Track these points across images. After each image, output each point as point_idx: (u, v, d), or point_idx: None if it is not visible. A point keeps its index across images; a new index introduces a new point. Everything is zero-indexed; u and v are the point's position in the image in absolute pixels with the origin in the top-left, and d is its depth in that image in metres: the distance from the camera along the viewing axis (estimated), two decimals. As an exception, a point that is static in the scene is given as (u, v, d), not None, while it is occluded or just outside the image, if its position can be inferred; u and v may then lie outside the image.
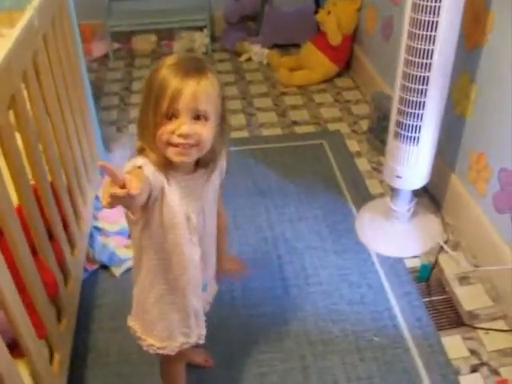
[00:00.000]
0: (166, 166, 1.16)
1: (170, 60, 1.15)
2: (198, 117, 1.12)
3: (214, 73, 1.16)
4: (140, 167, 1.11)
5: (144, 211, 1.18)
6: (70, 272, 1.76)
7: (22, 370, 1.34)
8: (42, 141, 1.62)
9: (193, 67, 1.12)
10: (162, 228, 1.22)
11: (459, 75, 2.14)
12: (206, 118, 1.13)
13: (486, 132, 2.04)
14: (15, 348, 1.29)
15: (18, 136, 1.41)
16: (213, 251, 1.41)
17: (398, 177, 2.07)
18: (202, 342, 1.42)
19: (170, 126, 1.11)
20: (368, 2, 3.25)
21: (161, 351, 1.38)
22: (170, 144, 1.12)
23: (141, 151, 1.18)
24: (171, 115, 1.11)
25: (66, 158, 1.84)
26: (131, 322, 1.43)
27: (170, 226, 1.22)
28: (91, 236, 2.11)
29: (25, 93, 1.49)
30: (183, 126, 1.10)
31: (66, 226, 1.77)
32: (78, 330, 1.79)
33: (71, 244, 1.82)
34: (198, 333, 1.41)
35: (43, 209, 1.57)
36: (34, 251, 1.46)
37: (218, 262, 1.47)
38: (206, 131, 1.13)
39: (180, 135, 1.10)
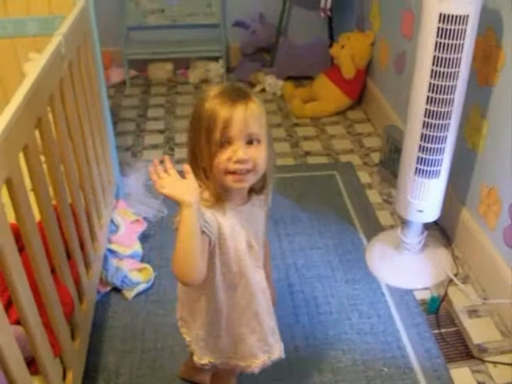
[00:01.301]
0: (222, 197, 1.20)
1: (213, 91, 1.18)
2: (251, 141, 1.15)
3: (259, 98, 1.19)
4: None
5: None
6: (84, 292, 1.78)
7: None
8: (63, 163, 1.66)
9: (238, 94, 1.16)
10: (226, 261, 1.26)
11: (471, 110, 2.18)
12: (259, 141, 1.16)
13: (496, 166, 2.08)
14: (31, 364, 1.32)
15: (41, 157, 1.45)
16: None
17: (420, 211, 2.09)
18: (282, 355, 1.48)
19: (225, 154, 1.13)
20: (381, 37, 3.32)
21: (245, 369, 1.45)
22: (227, 172, 1.15)
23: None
24: (225, 143, 1.13)
25: (85, 181, 1.88)
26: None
27: (234, 257, 1.26)
28: (105, 258, 2.14)
29: (50, 116, 1.54)
30: (238, 151, 1.13)
31: (82, 247, 1.81)
32: (90, 350, 1.80)
33: (87, 265, 1.85)
34: (278, 348, 1.47)
35: (62, 229, 1.61)
36: (53, 270, 1.49)
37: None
38: (260, 154, 1.16)
39: (237, 161, 1.13)
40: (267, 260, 1.48)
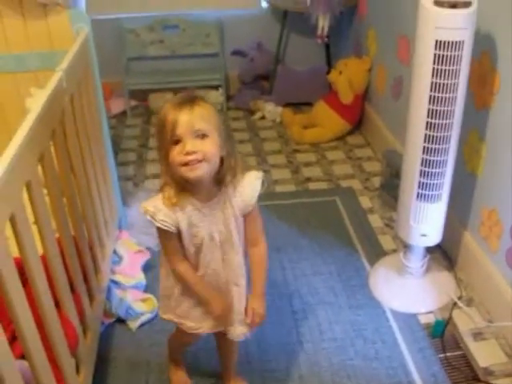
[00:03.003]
0: (187, 192, 1.40)
1: (169, 101, 1.37)
2: (198, 136, 1.32)
3: (207, 101, 1.37)
4: (152, 219, 1.40)
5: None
6: (88, 325, 1.78)
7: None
8: (66, 196, 1.67)
9: (185, 100, 1.34)
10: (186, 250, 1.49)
11: (469, 133, 2.20)
12: (207, 136, 1.33)
13: (497, 188, 2.09)
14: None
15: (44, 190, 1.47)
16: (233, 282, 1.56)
17: (423, 235, 2.10)
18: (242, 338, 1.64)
19: (177, 149, 1.32)
20: (378, 62, 3.35)
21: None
22: (181, 165, 1.32)
23: (161, 189, 1.42)
24: (176, 141, 1.32)
25: (87, 213, 1.90)
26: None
27: (190, 248, 1.48)
28: (108, 290, 2.14)
29: (52, 150, 1.55)
30: (186, 145, 1.31)
31: (85, 279, 1.81)
32: (94, 383, 1.79)
33: (90, 297, 1.85)
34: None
35: (66, 261, 1.61)
36: (56, 303, 1.49)
37: (250, 298, 1.60)
38: (208, 145, 1.33)
39: (186, 153, 1.30)
40: (258, 266, 1.58)
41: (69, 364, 1.52)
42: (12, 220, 1.18)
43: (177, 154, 1.32)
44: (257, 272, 1.57)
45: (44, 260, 1.43)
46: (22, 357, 1.28)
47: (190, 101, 1.34)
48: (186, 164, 1.32)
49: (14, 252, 1.19)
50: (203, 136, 1.32)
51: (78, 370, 1.64)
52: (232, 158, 1.42)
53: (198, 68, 4.14)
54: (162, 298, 1.65)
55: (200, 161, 1.32)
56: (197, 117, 1.31)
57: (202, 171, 1.34)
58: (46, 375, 1.31)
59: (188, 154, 1.30)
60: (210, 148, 1.33)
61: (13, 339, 1.35)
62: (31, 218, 1.33)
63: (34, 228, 1.36)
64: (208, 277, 1.52)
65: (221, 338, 1.72)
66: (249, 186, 1.48)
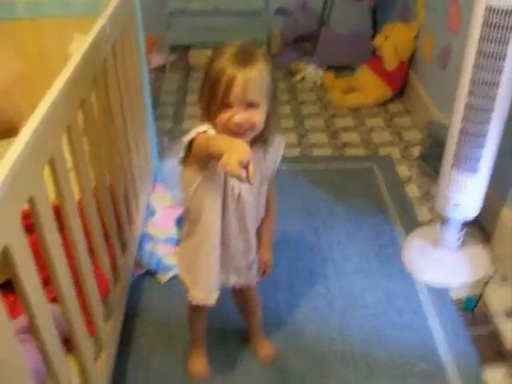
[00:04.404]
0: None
1: (225, 51, 1.27)
2: (250, 105, 1.27)
3: (265, 58, 1.29)
4: (205, 131, 1.29)
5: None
6: (120, 274, 1.79)
7: (70, 365, 1.37)
8: (104, 144, 1.66)
9: (246, 55, 1.26)
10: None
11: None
12: (257, 105, 1.28)
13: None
14: (65, 344, 1.33)
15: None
16: (252, 230, 1.52)
17: (456, 205, 2.05)
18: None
19: (225, 115, 1.27)
20: (425, 29, 3.25)
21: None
22: (227, 129, 1.28)
23: (203, 120, 1.34)
24: (226, 105, 1.26)
25: (124, 164, 1.89)
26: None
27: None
28: (140, 242, 2.15)
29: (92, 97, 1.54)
30: (236, 115, 1.26)
31: (119, 229, 1.82)
32: (122, 332, 1.81)
33: (123, 247, 1.86)
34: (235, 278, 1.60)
35: (101, 210, 1.61)
36: (90, 250, 1.50)
37: (259, 245, 1.60)
38: (257, 116, 1.29)
39: (234, 124, 1.27)
40: (269, 215, 1.59)
41: (99, 311, 1.53)
42: (51, 163, 1.17)
43: (225, 119, 1.27)
44: (268, 221, 1.60)
45: (80, 207, 1.43)
46: (54, 301, 1.29)
47: (250, 58, 1.26)
48: (231, 130, 1.29)
49: (51, 196, 1.18)
50: (254, 105, 1.28)
51: (107, 318, 1.66)
52: (275, 119, 1.38)
53: (240, 26, 4.08)
54: (179, 253, 1.63)
55: (246, 129, 1.30)
56: (252, 84, 1.25)
57: (247, 138, 1.31)
58: (77, 320, 1.32)
59: (236, 125, 1.27)
60: (259, 118, 1.30)
61: (45, 284, 1.36)
62: (69, 165, 1.33)
63: (72, 175, 1.36)
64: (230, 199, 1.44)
65: (239, 297, 1.77)
66: (274, 151, 1.46)
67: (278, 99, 1.40)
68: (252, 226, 1.51)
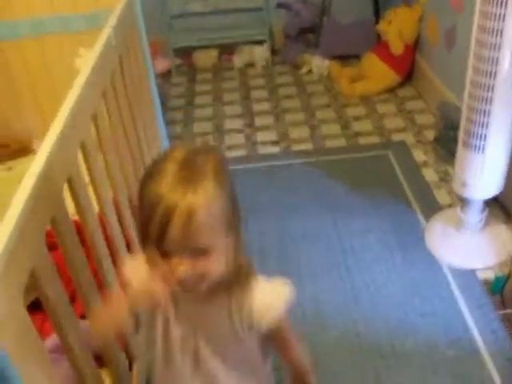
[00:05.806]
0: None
1: (161, 171, 0.88)
2: (197, 252, 0.89)
3: (218, 173, 0.90)
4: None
5: None
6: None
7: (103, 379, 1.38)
8: (119, 156, 1.67)
9: (187, 182, 0.86)
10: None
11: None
12: (210, 252, 0.90)
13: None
14: (95, 360, 1.33)
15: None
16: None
17: (465, 185, 2.03)
18: None
19: (165, 266, 0.90)
20: (429, 11, 3.22)
21: None
22: (170, 285, 0.94)
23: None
24: (164, 253, 0.89)
25: (139, 173, 1.89)
26: None
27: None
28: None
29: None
30: (178, 269, 0.89)
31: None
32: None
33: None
34: None
35: (121, 220, 1.62)
36: (113, 262, 1.50)
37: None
38: (210, 264, 0.91)
39: (177, 281, 0.91)
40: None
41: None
42: (69, 182, 1.17)
43: (166, 272, 0.90)
44: (288, 357, 1.21)
45: (101, 221, 1.43)
46: (82, 317, 1.29)
47: (192, 182, 0.86)
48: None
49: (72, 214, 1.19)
50: (204, 252, 0.89)
51: (137, 329, 1.66)
52: (237, 254, 0.98)
53: (242, 23, 4.06)
54: None
55: (198, 281, 0.93)
56: (197, 225, 0.86)
57: (201, 289, 0.95)
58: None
59: (180, 282, 0.91)
60: (213, 266, 0.92)
61: (72, 300, 1.37)
62: (86, 179, 1.33)
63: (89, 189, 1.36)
64: None
65: None
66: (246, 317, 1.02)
67: (240, 224, 0.99)
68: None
